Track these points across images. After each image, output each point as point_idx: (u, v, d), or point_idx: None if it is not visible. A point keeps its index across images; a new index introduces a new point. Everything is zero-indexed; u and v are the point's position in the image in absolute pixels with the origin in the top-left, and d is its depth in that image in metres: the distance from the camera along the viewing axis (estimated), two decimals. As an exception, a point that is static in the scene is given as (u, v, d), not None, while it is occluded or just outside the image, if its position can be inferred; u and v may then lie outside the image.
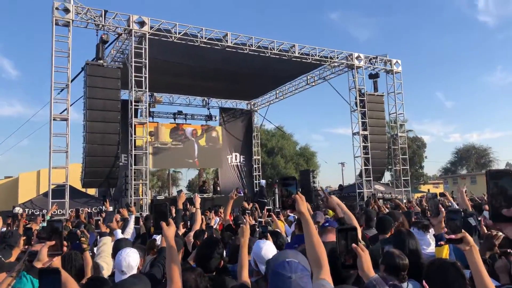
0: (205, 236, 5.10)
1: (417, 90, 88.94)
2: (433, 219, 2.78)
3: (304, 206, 2.16)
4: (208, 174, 48.68)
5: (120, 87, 15.29)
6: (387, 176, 43.35)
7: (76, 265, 3.59)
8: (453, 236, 2.17)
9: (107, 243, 4.49)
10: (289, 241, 5.41)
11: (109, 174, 15.12)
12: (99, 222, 5.69)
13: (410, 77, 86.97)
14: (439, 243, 2.24)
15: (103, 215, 7.45)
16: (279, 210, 8.45)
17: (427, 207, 8.51)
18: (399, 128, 22.59)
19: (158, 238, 4.78)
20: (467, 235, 2.18)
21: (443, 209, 2.68)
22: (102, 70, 14.97)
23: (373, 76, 21.24)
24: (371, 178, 19.83)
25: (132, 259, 3.61)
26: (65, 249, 2.32)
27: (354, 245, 2.01)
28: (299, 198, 2.16)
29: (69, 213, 13.65)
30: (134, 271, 3.62)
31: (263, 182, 23.19)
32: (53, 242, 2.28)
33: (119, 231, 6.06)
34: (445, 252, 2.80)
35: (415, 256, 3.07)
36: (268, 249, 3.62)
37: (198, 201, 5.78)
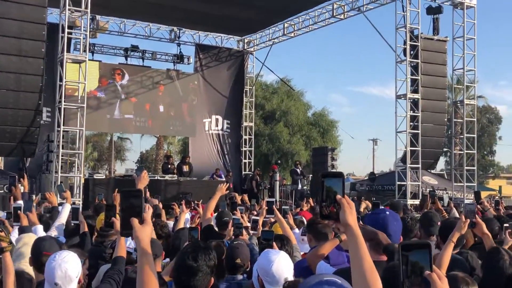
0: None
1: (495, 36, 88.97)
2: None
3: (353, 216, 2.24)
4: (172, 145, 48.83)
5: (46, 4, 15.04)
6: (439, 164, 44.01)
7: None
8: None
9: (29, 243, 4.49)
10: (299, 249, 5.52)
11: (25, 137, 15.11)
12: (18, 211, 5.71)
13: (486, 16, 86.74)
14: None
15: (17, 199, 7.47)
16: (286, 207, 8.54)
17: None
18: (466, 92, 22.60)
19: (129, 242, 4.83)
20: None
21: None
22: (19, -26, 14.72)
23: (434, 11, 21.09)
24: (420, 165, 20.01)
25: (70, 266, 3.63)
26: None
27: (338, 196, 2.23)
28: (346, 204, 2.23)
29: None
30: (74, 286, 3.64)
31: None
32: None
33: (40, 227, 6.10)
34: None
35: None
36: (283, 264, 3.66)
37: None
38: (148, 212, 2.70)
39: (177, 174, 21.49)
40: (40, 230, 6.14)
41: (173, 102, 24.81)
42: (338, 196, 2.24)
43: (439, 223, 5.23)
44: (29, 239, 4.38)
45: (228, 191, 8.15)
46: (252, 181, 23.33)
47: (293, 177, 23.96)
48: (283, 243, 5.00)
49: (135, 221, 2.63)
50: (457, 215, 9.05)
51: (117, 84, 23.12)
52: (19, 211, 5.43)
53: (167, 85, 24.59)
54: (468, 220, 4.07)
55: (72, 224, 6.95)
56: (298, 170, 23.76)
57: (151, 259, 2.66)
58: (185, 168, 22.35)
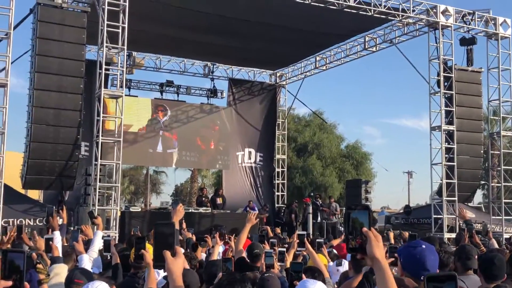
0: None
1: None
2: None
3: (380, 248, 2.25)
4: (205, 178, 48.98)
5: (85, 41, 15.38)
6: (476, 197, 43.01)
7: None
8: None
9: (60, 274, 4.53)
10: (331, 283, 5.48)
11: (64, 170, 15.28)
12: (50, 242, 5.78)
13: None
14: None
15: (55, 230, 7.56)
16: (320, 240, 8.47)
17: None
18: (502, 123, 22.27)
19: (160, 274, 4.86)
20: None
21: None
22: (60, 14, 15.07)
23: (467, 42, 20.96)
24: (456, 198, 19.66)
25: None
26: None
27: (365, 228, 2.25)
28: (373, 236, 2.24)
29: (1, 226, 13.85)
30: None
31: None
32: (9, 283, 2.36)
33: (86, 257, 6.17)
34: None
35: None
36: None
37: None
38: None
39: (210, 206, 21.54)
40: (85, 259, 6.21)
41: (222, 137, 25.21)
42: (365, 229, 2.25)
43: (476, 256, 5.10)
44: (60, 269, 4.43)
45: (258, 220, 8.13)
46: (291, 215, 23.11)
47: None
48: (315, 275, 4.96)
49: (167, 254, 2.68)
50: (497, 246, 8.79)
51: (160, 120, 23.54)
52: (50, 242, 5.52)
53: (220, 120, 25.15)
54: None
55: (108, 257, 7.00)
56: (318, 203, 23.26)
57: None
58: (219, 201, 22.42)
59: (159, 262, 2.73)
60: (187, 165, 29.42)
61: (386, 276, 2.23)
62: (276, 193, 26.67)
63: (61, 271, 4.52)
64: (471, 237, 7.53)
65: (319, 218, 22.76)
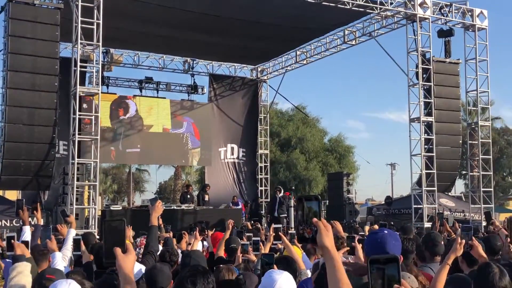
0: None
1: (510, 57, 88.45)
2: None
3: (329, 238, 2.29)
4: (189, 175, 48.92)
5: (59, 39, 15.29)
6: (458, 186, 43.29)
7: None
8: None
9: (23, 272, 4.41)
10: (309, 275, 5.48)
11: (40, 170, 15.21)
12: (12, 240, 5.68)
13: (500, 37, 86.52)
14: None
15: (26, 230, 7.40)
16: (293, 232, 8.52)
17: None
18: (481, 114, 22.47)
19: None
20: None
21: None
22: (33, 12, 14.99)
23: (445, 34, 21.11)
24: (435, 188, 19.83)
25: None
26: None
27: (315, 219, 2.30)
28: (322, 226, 2.29)
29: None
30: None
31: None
32: None
33: (58, 254, 6.07)
34: None
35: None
36: (286, 284, 3.63)
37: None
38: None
39: (198, 203, 21.38)
40: (58, 257, 6.15)
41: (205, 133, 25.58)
42: (315, 219, 2.29)
43: (442, 242, 5.20)
44: (23, 267, 4.29)
45: (234, 225, 8.27)
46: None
47: (272, 205, 22.26)
48: (288, 265, 4.98)
49: (118, 250, 2.68)
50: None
51: (121, 118, 23.29)
52: (12, 240, 5.41)
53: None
54: (463, 241, 3.99)
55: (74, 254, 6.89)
56: (277, 197, 21.78)
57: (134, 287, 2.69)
58: (207, 197, 22.16)
59: (110, 259, 2.72)
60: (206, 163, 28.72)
61: (335, 264, 2.25)
62: (260, 188, 26.68)
63: (23, 269, 4.38)
64: (442, 225, 7.65)
65: (275, 213, 21.34)
